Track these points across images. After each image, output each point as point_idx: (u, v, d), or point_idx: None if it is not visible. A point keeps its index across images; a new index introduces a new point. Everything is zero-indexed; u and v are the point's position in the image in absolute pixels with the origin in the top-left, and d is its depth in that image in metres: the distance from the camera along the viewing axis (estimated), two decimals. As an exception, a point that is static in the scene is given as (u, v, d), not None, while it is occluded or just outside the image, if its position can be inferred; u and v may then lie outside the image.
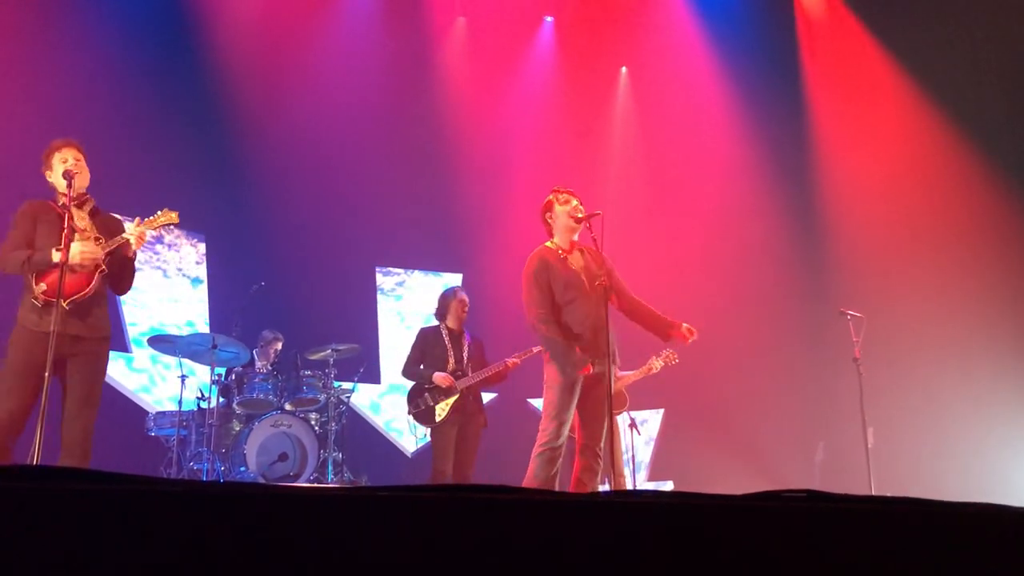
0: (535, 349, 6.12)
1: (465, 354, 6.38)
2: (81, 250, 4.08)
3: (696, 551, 1.67)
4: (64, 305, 4.00)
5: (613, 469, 5.57)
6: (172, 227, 8.14)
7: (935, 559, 1.84)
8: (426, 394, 6.19)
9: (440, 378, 6.18)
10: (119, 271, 4.33)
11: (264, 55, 8.50)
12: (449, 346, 6.33)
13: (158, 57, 8.04)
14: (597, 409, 4.70)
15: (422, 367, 6.32)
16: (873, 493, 6.00)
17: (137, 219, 4.30)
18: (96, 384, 4.19)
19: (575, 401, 4.66)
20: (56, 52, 7.51)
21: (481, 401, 6.43)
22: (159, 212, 4.38)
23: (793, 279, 8.99)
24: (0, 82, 7.07)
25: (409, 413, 6.27)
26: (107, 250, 4.19)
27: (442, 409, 6.14)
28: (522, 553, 1.59)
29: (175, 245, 8.48)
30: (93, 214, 4.33)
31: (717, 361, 8.32)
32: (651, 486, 8.52)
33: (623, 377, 6.35)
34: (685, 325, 4.90)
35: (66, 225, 4.07)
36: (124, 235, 4.24)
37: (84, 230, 4.20)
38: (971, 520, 1.96)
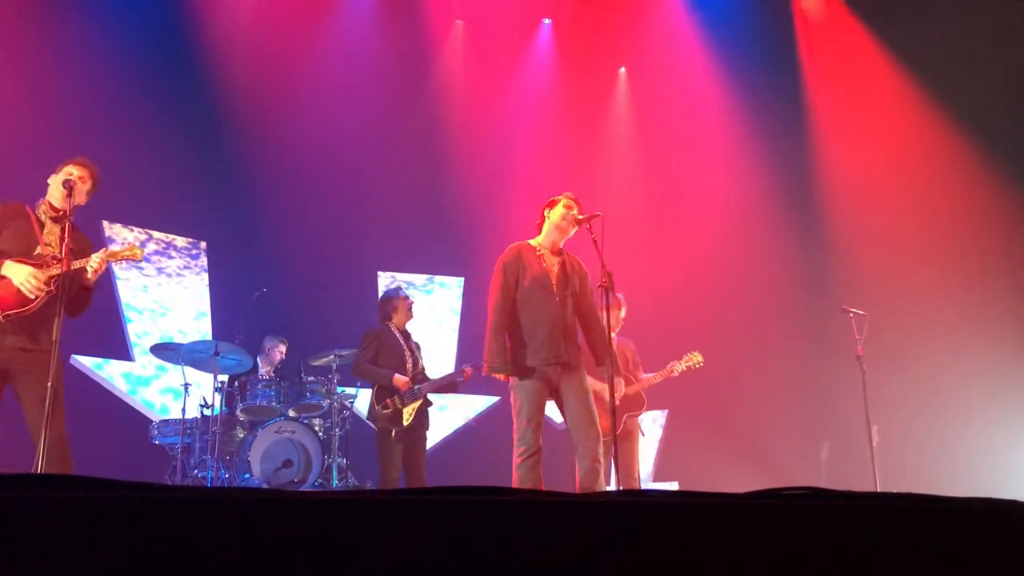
0: (477, 365, 6.16)
1: (419, 357, 6.30)
2: (24, 280, 4.01)
3: (700, 550, 1.67)
4: (1, 319, 4.00)
5: (621, 471, 5.56)
6: (172, 236, 8.30)
7: (940, 555, 1.84)
8: (396, 396, 6.05)
9: (401, 381, 6.04)
10: (74, 295, 4.26)
11: (264, 61, 8.51)
12: (405, 347, 6.22)
13: (158, 63, 8.05)
14: (584, 413, 4.64)
15: (381, 369, 6.15)
16: (879, 491, 5.99)
17: (104, 248, 4.28)
18: (56, 387, 4.07)
19: (539, 399, 4.63)
20: (56, 58, 7.52)
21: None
22: (126, 246, 4.39)
23: (795, 277, 8.99)
24: (1, 89, 7.08)
25: (379, 414, 6.11)
26: (57, 274, 4.10)
27: (409, 413, 6.02)
28: (525, 554, 1.59)
29: (177, 252, 8.49)
30: (70, 231, 4.21)
31: (720, 361, 8.30)
32: (656, 487, 8.50)
33: (644, 380, 6.38)
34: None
35: (67, 236, 4.07)
36: (84, 261, 4.18)
37: (48, 245, 4.15)
38: (976, 516, 1.96)
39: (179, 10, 8.25)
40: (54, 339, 3.87)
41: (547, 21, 9.90)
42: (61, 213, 4.21)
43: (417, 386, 6.09)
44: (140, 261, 4.44)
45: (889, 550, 1.78)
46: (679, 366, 6.34)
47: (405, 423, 6.02)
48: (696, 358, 6.35)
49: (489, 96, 9.49)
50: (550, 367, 4.65)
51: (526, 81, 9.76)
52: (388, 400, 6.08)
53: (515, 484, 4.53)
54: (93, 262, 4.18)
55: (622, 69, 10.07)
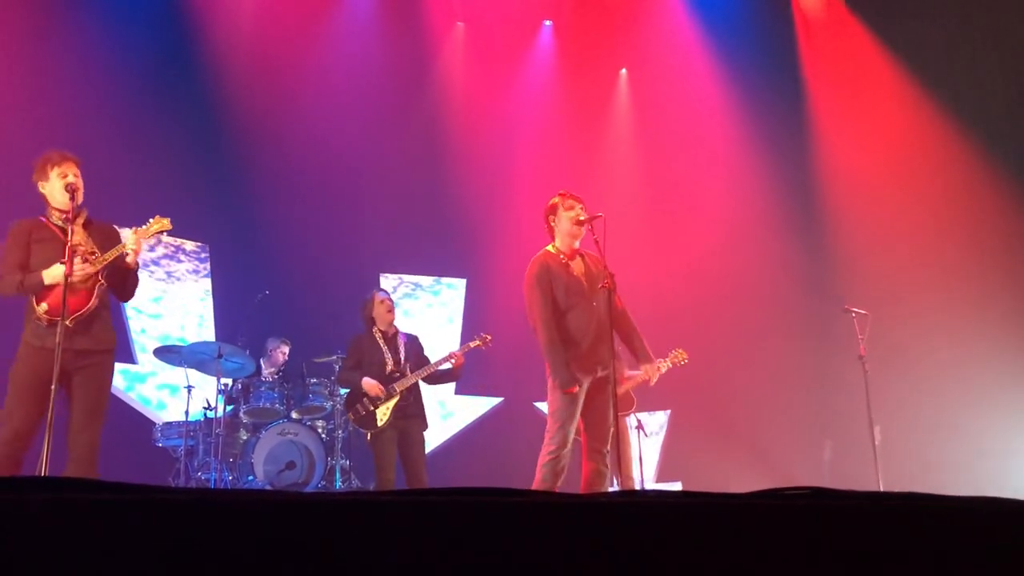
0: (474, 343, 6.21)
1: (402, 354, 6.20)
2: (75, 270, 4.09)
3: (703, 550, 1.68)
4: (68, 323, 4.04)
5: (620, 472, 5.57)
6: (181, 240, 8.34)
7: (942, 554, 1.84)
8: (364, 399, 6.00)
9: (368, 385, 5.98)
10: (121, 280, 4.36)
11: (265, 63, 8.52)
12: (385, 349, 6.17)
13: (158, 65, 8.07)
14: (602, 413, 4.71)
15: (356, 373, 6.14)
16: (881, 490, 5.99)
17: (133, 229, 4.31)
18: (102, 396, 4.23)
19: (579, 407, 4.67)
20: (57, 60, 7.53)
21: (422, 403, 6.23)
22: (151, 220, 4.39)
23: (796, 277, 8.98)
24: (3, 93, 7.09)
25: (350, 420, 6.12)
26: (103, 263, 4.20)
27: (383, 413, 5.96)
28: (531, 556, 1.60)
29: (179, 254, 8.51)
30: (87, 225, 4.33)
31: (723, 361, 8.32)
32: (659, 487, 8.50)
33: (631, 378, 6.36)
34: (652, 368, 4.89)
35: (69, 240, 4.10)
36: (120, 246, 4.25)
37: (79, 244, 4.19)
38: (980, 516, 1.96)
39: (180, 13, 8.27)
40: (58, 341, 3.90)
41: (548, 23, 9.90)
42: (67, 216, 4.24)
43: (391, 385, 6.03)
44: (170, 229, 4.46)
45: (892, 550, 1.78)
46: (664, 364, 6.30)
47: (380, 424, 5.95)
48: (681, 355, 6.31)
49: (490, 98, 9.50)
50: (591, 374, 4.69)
51: (527, 83, 9.77)
52: (357, 406, 6.04)
53: (537, 480, 4.58)
54: (130, 244, 4.25)
55: (623, 70, 10.07)
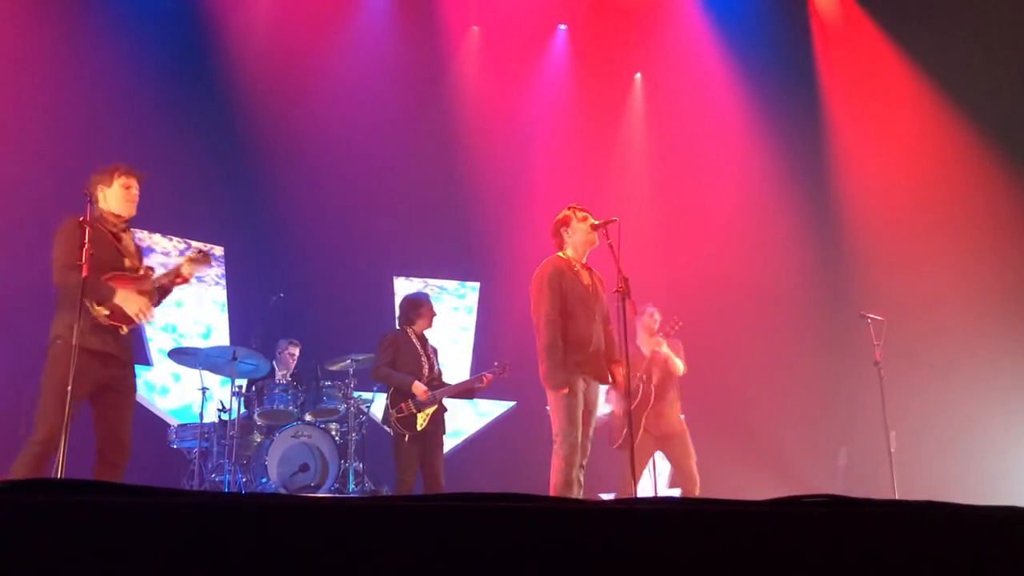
0: (499, 372, 6.29)
1: (435, 362, 6.35)
2: (138, 311, 4.15)
3: (719, 557, 1.67)
4: (124, 330, 4.16)
5: (682, 474, 5.67)
6: (210, 244, 8.39)
7: (959, 563, 1.82)
8: (410, 400, 6.06)
9: (420, 390, 6.06)
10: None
11: (281, 67, 8.56)
12: (422, 352, 6.26)
13: (175, 69, 8.11)
14: (584, 424, 4.74)
15: (402, 373, 6.17)
16: (897, 498, 5.94)
17: (187, 257, 4.41)
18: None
19: (581, 402, 4.70)
20: (73, 64, 7.57)
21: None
22: (196, 254, 4.46)
23: (812, 283, 8.93)
24: (19, 94, 7.14)
25: (392, 418, 6.11)
26: (158, 285, 4.30)
27: (423, 418, 6.04)
28: (546, 561, 1.59)
29: (215, 261, 8.55)
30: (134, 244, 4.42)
31: (737, 366, 8.29)
32: (671, 493, 8.47)
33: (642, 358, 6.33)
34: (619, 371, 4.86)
35: (124, 247, 4.22)
36: (174, 271, 4.35)
37: (131, 257, 4.29)
38: (995, 523, 1.94)
39: (196, 18, 8.31)
40: (97, 348, 4.05)
41: (563, 27, 9.90)
42: (125, 224, 4.33)
43: (432, 392, 6.11)
44: (211, 264, 4.57)
45: (913, 560, 1.77)
46: (662, 344, 6.19)
47: (419, 428, 6.03)
48: (674, 324, 6.21)
49: (505, 102, 9.50)
50: (593, 379, 4.78)
51: (542, 87, 9.77)
52: (403, 404, 6.09)
53: (557, 485, 4.58)
54: (186, 271, 4.36)
55: (638, 75, 10.06)
